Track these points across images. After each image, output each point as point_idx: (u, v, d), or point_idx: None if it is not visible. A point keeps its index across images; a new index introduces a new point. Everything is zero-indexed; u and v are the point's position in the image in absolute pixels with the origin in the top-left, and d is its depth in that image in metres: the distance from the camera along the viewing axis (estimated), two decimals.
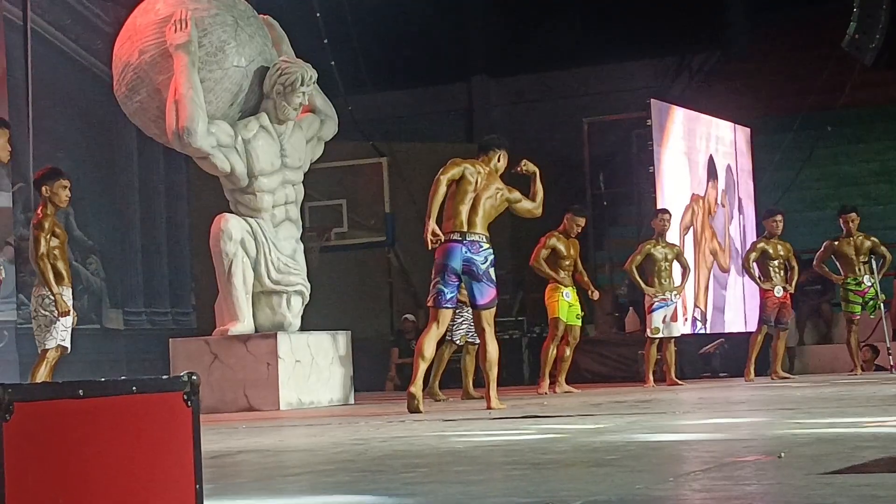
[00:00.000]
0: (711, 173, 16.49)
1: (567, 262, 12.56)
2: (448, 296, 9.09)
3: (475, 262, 9.07)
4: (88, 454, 2.81)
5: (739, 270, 15.63)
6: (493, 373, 9.17)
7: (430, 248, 9.06)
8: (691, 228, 15.78)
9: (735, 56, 22.71)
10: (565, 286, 12.50)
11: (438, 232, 8.94)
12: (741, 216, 17.15)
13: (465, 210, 9.07)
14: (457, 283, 9.13)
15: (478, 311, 9.24)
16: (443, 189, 9.03)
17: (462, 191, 9.10)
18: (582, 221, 12.69)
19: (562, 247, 12.52)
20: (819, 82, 20.04)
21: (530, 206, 9.55)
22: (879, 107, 20.50)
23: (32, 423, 2.66)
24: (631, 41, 21.39)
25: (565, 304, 12.47)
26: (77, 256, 14.68)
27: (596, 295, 12.85)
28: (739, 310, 16.74)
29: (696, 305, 15.65)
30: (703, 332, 15.87)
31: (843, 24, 19.52)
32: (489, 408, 9.05)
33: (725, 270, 16.63)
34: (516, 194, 9.47)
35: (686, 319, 14.84)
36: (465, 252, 9.04)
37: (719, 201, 16.60)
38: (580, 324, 12.76)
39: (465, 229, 9.05)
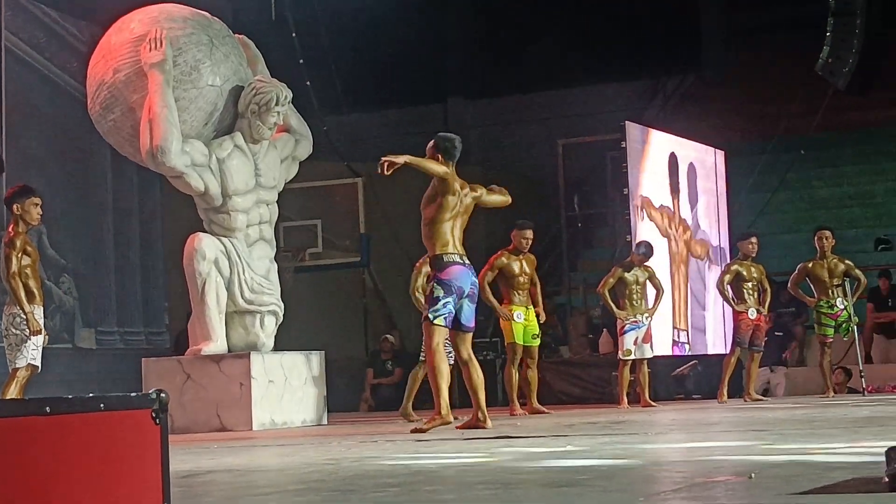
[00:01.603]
0: (672, 174, 16.37)
1: (522, 280, 12.42)
2: (453, 317, 9.00)
3: (476, 285, 9.10)
4: (54, 471, 2.79)
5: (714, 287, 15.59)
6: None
7: (380, 164, 8.61)
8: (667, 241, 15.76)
9: (709, 79, 22.81)
10: (517, 307, 12.40)
11: (392, 169, 8.62)
12: (696, 205, 16.98)
13: (457, 233, 8.97)
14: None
15: (465, 333, 9.13)
16: (441, 176, 8.82)
17: (444, 210, 8.90)
18: (529, 234, 12.47)
19: (514, 265, 12.38)
20: (793, 106, 20.14)
21: (499, 198, 9.34)
22: (853, 131, 20.63)
23: None
24: (606, 64, 21.47)
25: (520, 327, 12.37)
26: (49, 275, 14.62)
27: (542, 317, 12.69)
28: (720, 331, 16.74)
29: (674, 326, 15.64)
30: (686, 353, 15.83)
31: (818, 48, 19.65)
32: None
33: (699, 257, 16.54)
34: (481, 190, 9.20)
35: (659, 334, 14.80)
36: (472, 275, 9.03)
37: (685, 212, 16.57)
38: (537, 343, 12.65)
39: (461, 252, 8.98)
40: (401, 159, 8.65)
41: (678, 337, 15.75)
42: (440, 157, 9.01)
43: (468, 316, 9.04)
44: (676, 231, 16.08)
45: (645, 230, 15.12)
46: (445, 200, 8.92)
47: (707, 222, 16.93)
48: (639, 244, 13.78)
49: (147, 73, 11.38)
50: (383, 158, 8.65)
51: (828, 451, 5.58)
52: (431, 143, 9.11)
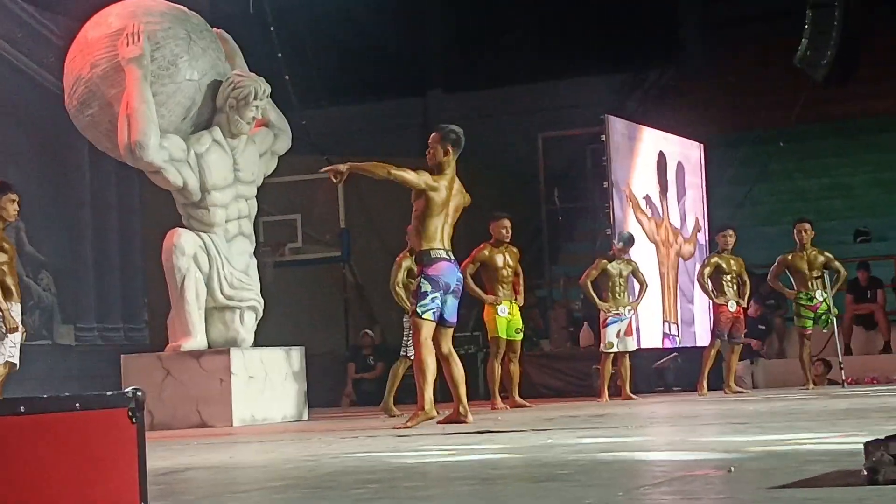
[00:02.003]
0: (661, 175, 16.40)
1: (505, 274, 12.35)
2: (439, 312, 8.97)
3: (461, 281, 9.11)
4: (30, 472, 2.77)
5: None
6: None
7: (326, 171, 8.68)
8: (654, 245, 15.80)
9: (689, 72, 22.84)
10: (500, 301, 12.35)
11: (340, 177, 8.72)
12: (684, 198, 17.02)
13: (447, 229, 8.95)
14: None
15: (446, 328, 9.11)
16: (393, 177, 8.78)
17: (433, 206, 8.87)
18: (506, 223, 12.37)
19: (497, 258, 12.32)
20: (772, 99, 20.16)
21: (466, 197, 9.35)
22: (831, 123, 20.69)
23: None
24: (586, 57, 21.50)
25: (503, 321, 12.32)
26: (28, 272, 14.56)
27: (520, 302, 12.63)
28: (706, 324, 16.77)
29: (664, 319, 15.66)
30: (677, 346, 15.85)
31: (797, 41, 19.68)
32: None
33: (690, 255, 16.57)
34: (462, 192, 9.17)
35: (649, 327, 14.81)
36: (457, 271, 9.03)
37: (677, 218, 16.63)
38: (520, 337, 12.60)
39: (448, 248, 8.97)
40: (343, 167, 8.66)
41: (669, 329, 15.77)
42: (450, 147, 8.98)
43: (451, 311, 9.04)
44: (666, 238, 16.13)
45: (634, 221, 15.14)
46: (430, 198, 8.91)
47: (692, 218, 16.97)
48: (620, 234, 13.77)
49: (124, 67, 11.33)
50: (325, 168, 8.67)
51: (807, 444, 5.59)
52: (436, 135, 9.06)
